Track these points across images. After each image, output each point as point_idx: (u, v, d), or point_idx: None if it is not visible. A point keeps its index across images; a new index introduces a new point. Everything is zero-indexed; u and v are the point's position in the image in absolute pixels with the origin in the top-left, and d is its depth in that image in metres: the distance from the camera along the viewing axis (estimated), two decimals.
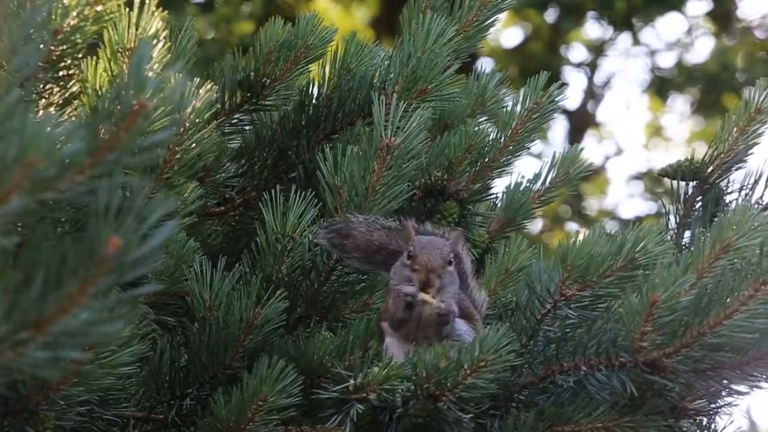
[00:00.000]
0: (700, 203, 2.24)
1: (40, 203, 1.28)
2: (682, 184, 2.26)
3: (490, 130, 2.30)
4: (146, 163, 1.39)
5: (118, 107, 1.36)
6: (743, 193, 2.18)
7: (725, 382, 1.73)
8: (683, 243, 2.20)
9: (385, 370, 1.67)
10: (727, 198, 2.23)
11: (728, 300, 1.65)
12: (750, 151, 2.23)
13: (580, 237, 1.83)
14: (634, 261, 1.80)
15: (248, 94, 2.30)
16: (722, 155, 2.23)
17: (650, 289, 1.65)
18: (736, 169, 2.24)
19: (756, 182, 2.20)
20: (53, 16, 1.83)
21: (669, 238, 2.18)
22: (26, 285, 1.24)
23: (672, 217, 2.24)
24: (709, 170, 2.24)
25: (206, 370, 1.96)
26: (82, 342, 1.26)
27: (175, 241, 1.95)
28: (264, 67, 2.27)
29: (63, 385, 1.64)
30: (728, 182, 2.23)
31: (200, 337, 1.96)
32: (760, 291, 1.63)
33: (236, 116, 2.31)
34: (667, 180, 2.29)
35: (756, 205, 2.14)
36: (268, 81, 2.28)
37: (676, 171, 2.26)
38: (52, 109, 1.95)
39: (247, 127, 2.34)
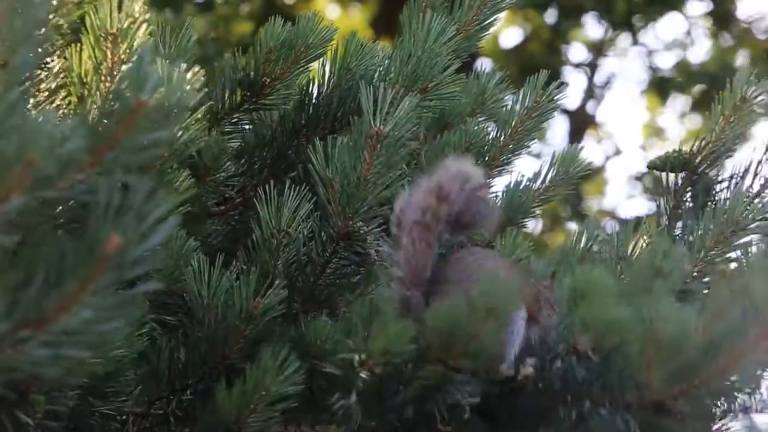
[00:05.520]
0: (690, 194, 2.24)
1: (41, 201, 1.29)
2: (672, 175, 2.26)
3: (489, 129, 2.30)
4: (147, 161, 1.39)
5: (118, 106, 1.36)
6: (733, 181, 2.17)
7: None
8: (675, 234, 2.20)
9: (389, 335, 1.64)
10: (718, 187, 2.23)
11: (737, 344, 1.60)
12: (737, 140, 2.23)
13: (598, 297, 1.75)
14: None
15: (248, 94, 2.30)
16: (710, 145, 2.23)
17: (655, 333, 1.61)
18: (725, 158, 2.24)
19: (746, 171, 2.19)
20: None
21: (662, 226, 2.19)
22: (27, 283, 1.24)
23: (663, 208, 2.25)
24: (698, 160, 2.24)
25: (205, 362, 1.96)
26: (82, 340, 1.27)
27: (174, 239, 1.95)
28: (264, 67, 2.27)
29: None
30: (718, 172, 2.23)
31: (200, 329, 1.96)
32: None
33: (236, 115, 2.32)
34: (656, 172, 2.30)
35: (747, 194, 2.13)
36: (268, 80, 2.28)
37: (665, 162, 2.26)
38: (41, 96, 1.94)
39: (246, 127, 2.34)
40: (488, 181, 1.80)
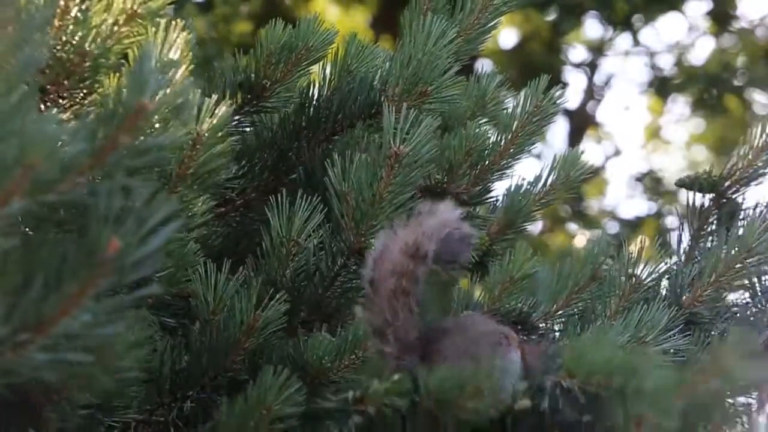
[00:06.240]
0: (715, 217, 2.24)
1: (41, 205, 1.29)
2: (699, 196, 2.25)
3: (490, 132, 2.30)
4: (149, 164, 1.40)
5: (119, 108, 1.36)
6: (758, 209, 2.17)
7: None
8: (696, 256, 2.20)
9: (386, 384, 1.66)
10: (742, 213, 2.23)
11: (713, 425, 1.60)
12: None
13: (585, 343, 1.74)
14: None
15: (249, 96, 2.30)
16: (741, 170, 2.23)
17: (637, 408, 1.61)
18: (755, 185, 2.24)
19: None
20: (81, 36, 1.82)
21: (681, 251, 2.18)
22: (26, 286, 1.24)
23: (686, 229, 2.24)
24: (727, 184, 2.23)
25: (207, 373, 1.96)
26: (82, 344, 1.26)
27: (175, 241, 1.95)
28: (265, 69, 2.27)
29: (66, 389, 1.62)
30: (744, 198, 2.23)
31: (201, 339, 1.96)
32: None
33: (237, 117, 2.31)
34: (683, 191, 2.29)
35: (762, 221, 2.13)
36: (269, 83, 2.28)
37: (694, 182, 2.25)
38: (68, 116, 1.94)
39: (247, 129, 2.34)
40: (465, 219, 1.78)
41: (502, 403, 1.69)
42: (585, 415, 1.67)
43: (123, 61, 1.93)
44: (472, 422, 1.68)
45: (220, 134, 1.76)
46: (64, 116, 1.88)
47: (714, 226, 2.23)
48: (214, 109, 1.76)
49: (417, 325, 1.74)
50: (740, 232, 2.05)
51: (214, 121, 1.76)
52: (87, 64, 1.85)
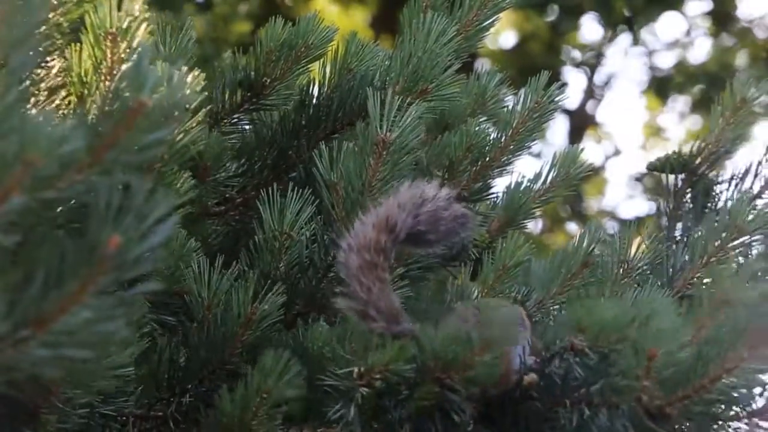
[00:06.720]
0: (690, 195, 2.25)
1: (41, 202, 1.28)
2: (671, 177, 2.27)
3: (490, 129, 2.30)
4: (147, 161, 1.39)
5: (117, 105, 1.36)
6: (733, 182, 2.17)
7: None
8: (675, 236, 2.20)
9: (390, 352, 1.64)
10: (717, 189, 2.24)
11: (726, 356, 1.59)
12: (737, 141, 2.23)
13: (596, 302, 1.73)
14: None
15: (248, 94, 2.30)
16: (710, 146, 2.24)
17: (649, 344, 1.60)
18: (725, 160, 2.24)
19: (746, 172, 2.20)
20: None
21: (662, 233, 2.18)
22: (27, 283, 1.24)
23: (662, 210, 2.25)
24: (698, 162, 2.24)
25: (205, 366, 1.96)
26: (82, 340, 1.26)
27: (175, 239, 1.95)
28: (264, 67, 2.27)
29: (63, 388, 1.62)
30: (717, 173, 2.24)
31: (199, 333, 1.96)
32: (756, 350, 1.58)
33: (236, 115, 2.32)
34: (656, 174, 2.30)
35: (748, 198, 2.13)
36: (269, 80, 2.28)
37: (665, 164, 2.27)
38: (41, 96, 1.93)
39: (247, 127, 2.34)
40: (452, 196, 1.77)
41: (512, 377, 1.70)
42: (593, 379, 1.66)
43: (80, 27, 1.92)
44: (481, 397, 1.68)
45: (193, 105, 1.74)
46: (35, 89, 1.88)
47: (690, 205, 2.23)
48: (185, 79, 1.75)
49: (394, 291, 1.73)
50: (727, 209, 2.05)
51: (187, 92, 1.75)
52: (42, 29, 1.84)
